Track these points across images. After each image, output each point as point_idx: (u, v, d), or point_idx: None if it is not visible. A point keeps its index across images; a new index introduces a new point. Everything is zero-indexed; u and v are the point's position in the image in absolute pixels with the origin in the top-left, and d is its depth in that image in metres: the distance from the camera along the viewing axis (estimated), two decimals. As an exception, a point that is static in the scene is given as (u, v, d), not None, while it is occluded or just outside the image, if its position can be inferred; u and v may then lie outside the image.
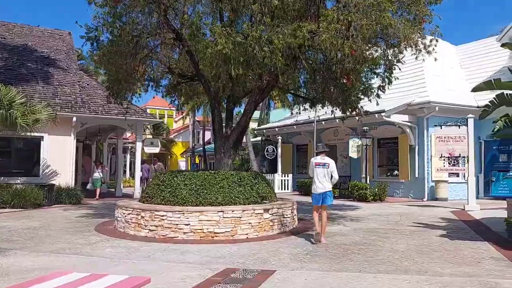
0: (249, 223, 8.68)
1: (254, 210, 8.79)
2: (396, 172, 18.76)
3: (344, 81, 11.10)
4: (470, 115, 13.52)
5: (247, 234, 8.59)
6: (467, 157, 13.02)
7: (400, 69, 11.09)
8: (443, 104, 16.92)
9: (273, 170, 23.72)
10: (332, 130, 21.56)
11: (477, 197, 16.40)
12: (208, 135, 45.88)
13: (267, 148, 22.91)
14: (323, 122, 20.38)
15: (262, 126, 26.88)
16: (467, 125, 13.10)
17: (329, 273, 5.68)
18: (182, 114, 39.51)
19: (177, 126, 50.30)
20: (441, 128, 13.34)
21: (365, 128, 17.46)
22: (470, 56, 21.49)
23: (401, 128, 17.72)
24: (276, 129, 24.07)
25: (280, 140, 23.05)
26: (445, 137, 13.20)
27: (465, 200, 16.58)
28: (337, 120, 18.83)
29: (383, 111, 16.88)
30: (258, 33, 8.50)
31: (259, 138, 28.35)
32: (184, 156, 46.39)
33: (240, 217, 8.61)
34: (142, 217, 8.72)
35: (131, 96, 12.30)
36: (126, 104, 13.39)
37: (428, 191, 17.14)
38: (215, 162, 11.17)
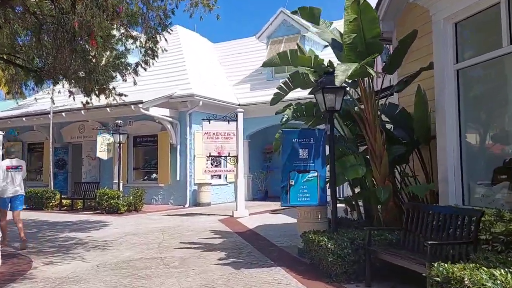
0: None
1: None
2: (155, 175, 16.11)
3: (87, 46, 7.67)
4: (240, 109, 12.08)
5: None
6: (237, 156, 11.44)
7: (166, 40, 8.44)
8: (207, 98, 15.28)
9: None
10: (77, 125, 17.28)
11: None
12: None
13: (-18, 148, 16.61)
14: (63, 114, 15.97)
15: (-25, 118, 19.85)
16: (236, 120, 11.52)
17: None
18: None
19: None
20: (209, 122, 11.35)
21: (119, 121, 14.12)
22: (229, 54, 21.06)
23: (161, 123, 15.20)
24: (-4, 121, 17.91)
25: (1, 137, 17.04)
26: (214, 134, 11.27)
27: (228, 204, 15.45)
28: (82, 111, 14.99)
29: (141, 102, 13.99)
30: None
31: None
32: None
33: None
34: None
35: None
36: None
37: (190, 195, 15.16)
38: None
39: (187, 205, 14.88)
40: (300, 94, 11.87)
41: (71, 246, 7.74)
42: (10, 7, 6.77)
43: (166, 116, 15.00)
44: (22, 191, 7.83)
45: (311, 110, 7.23)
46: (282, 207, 9.31)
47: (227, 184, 16.61)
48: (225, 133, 11.37)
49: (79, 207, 14.49)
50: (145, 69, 8.65)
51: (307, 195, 5.72)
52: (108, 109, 13.70)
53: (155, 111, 14.63)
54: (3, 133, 17.30)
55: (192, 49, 19.42)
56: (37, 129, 17.65)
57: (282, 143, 5.89)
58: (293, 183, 5.68)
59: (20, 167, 7.84)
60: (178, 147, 15.30)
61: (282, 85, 6.82)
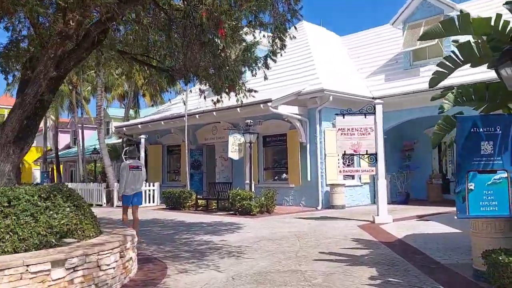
0: (16, 295, 4.17)
1: (27, 266, 4.28)
2: (285, 175, 15.55)
3: (216, 39, 7.24)
4: (379, 101, 10.70)
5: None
6: (376, 154, 10.11)
7: (295, 27, 7.65)
8: (338, 93, 14.19)
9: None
10: (210, 127, 17.68)
11: (373, 202, 14.18)
12: (65, 138, 38.81)
13: (125, 151, 17.98)
14: (196, 116, 16.39)
15: (121, 123, 21.80)
16: (374, 114, 10.19)
17: None
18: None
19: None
20: (343, 117, 10.23)
21: (249, 121, 13.85)
22: (358, 46, 19.56)
23: (290, 122, 14.58)
24: (139, 126, 19.25)
25: (143, 140, 18.29)
26: (349, 129, 10.11)
27: (364, 207, 14.15)
28: (214, 113, 15.20)
29: (270, 100, 13.51)
30: None
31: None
32: (40, 164, 38.49)
33: (-6, 286, 4.06)
34: None
35: None
36: None
37: (323, 197, 14.22)
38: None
39: (319, 207, 13.97)
40: (452, 80, 10.07)
41: (205, 251, 7.37)
42: (141, 5, 6.62)
43: (295, 114, 14.34)
44: (137, 189, 8.43)
45: (483, 93, 5.68)
46: (451, 213, 7.71)
47: (361, 185, 15.28)
48: (361, 128, 10.12)
49: (213, 207, 14.62)
50: (274, 60, 7.96)
51: (493, 203, 4.28)
52: (238, 109, 13.49)
53: (283, 109, 14.07)
54: (145, 136, 18.61)
55: (319, 44, 18.45)
56: (174, 132, 18.54)
57: (456, 134, 4.54)
58: (472, 187, 4.30)
59: (140, 167, 8.60)
60: (308, 145, 14.49)
61: (445, 61, 5.40)
